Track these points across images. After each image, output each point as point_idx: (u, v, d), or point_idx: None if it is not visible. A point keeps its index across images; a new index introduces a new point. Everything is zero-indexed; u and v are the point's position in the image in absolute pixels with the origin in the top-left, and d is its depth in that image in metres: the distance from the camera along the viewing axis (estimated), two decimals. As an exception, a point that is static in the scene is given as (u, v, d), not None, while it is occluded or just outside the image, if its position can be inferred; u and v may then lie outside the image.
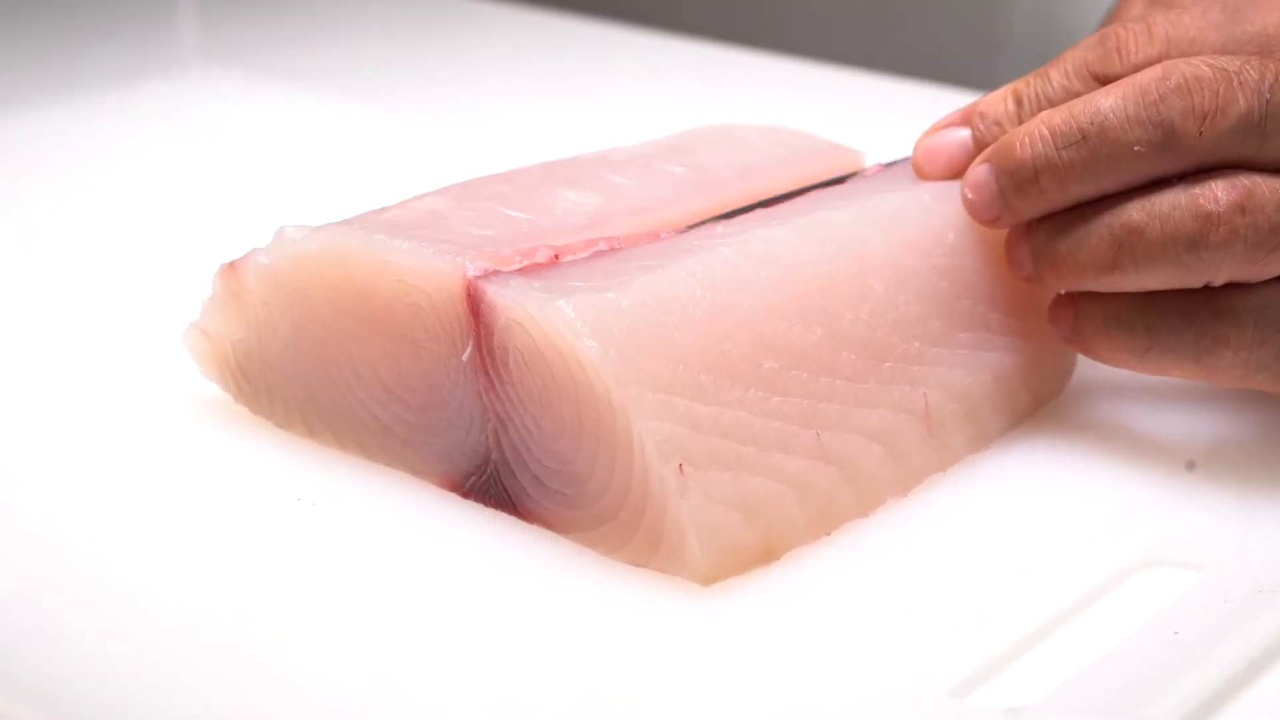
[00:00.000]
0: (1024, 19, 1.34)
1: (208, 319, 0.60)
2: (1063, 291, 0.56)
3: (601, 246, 0.56)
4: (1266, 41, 0.57)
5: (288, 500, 0.56)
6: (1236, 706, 0.46)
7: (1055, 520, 0.54)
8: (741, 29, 1.45)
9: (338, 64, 1.14)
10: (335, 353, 0.57)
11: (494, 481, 0.55)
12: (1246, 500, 0.54)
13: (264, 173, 0.89)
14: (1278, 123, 0.53)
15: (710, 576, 0.50)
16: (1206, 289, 0.54)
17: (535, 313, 0.51)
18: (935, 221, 0.57)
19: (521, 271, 0.53)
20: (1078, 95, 0.56)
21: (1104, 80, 0.56)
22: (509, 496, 0.54)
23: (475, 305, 0.53)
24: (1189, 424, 0.59)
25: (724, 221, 0.57)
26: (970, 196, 0.56)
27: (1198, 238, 0.53)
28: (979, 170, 0.56)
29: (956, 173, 0.58)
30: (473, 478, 0.55)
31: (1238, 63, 0.53)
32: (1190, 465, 0.55)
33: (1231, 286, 0.54)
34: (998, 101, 0.58)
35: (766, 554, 0.51)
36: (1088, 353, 0.56)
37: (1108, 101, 0.54)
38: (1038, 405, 0.60)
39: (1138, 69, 0.56)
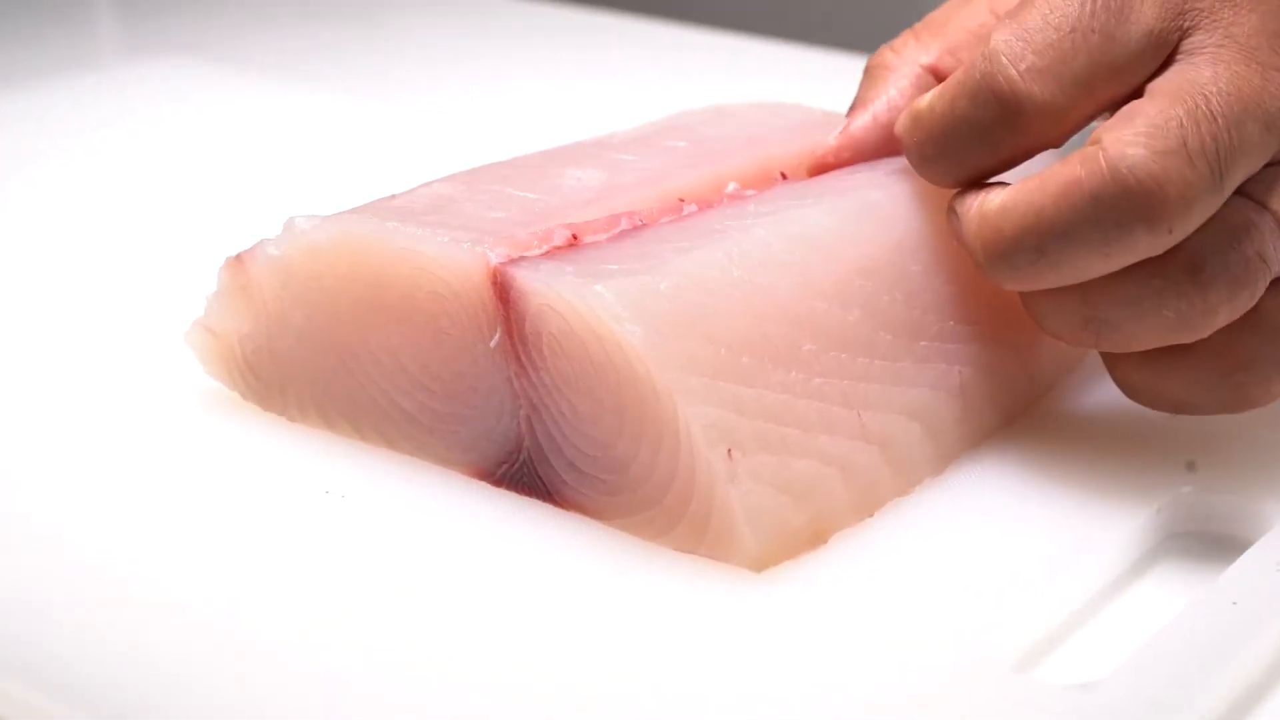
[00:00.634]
0: None
1: (213, 315, 0.59)
2: None
3: (624, 225, 0.55)
4: None
5: (316, 493, 0.54)
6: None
7: (1095, 493, 0.53)
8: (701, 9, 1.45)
9: (304, 52, 1.12)
10: (353, 343, 0.56)
11: (527, 469, 0.54)
12: None
13: (236, 164, 0.87)
14: (1233, 162, 0.50)
15: (761, 562, 0.50)
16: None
17: (571, 297, 0.50)
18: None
19: (547, 255, 0.52)
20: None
21: None
22: (543, 484, 0.53)
23: (503, 291, 0.52)
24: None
25: (755, 200, 0.56)
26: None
27: (1177, 325, 0.51)
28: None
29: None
30: (504, 466, 0.54)
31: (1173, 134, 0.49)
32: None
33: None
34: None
35: (815, 537, 0.51)
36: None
37: (1057, 217, 0.50)
38: (1059, 377, 0.59)
39: None
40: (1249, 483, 0.53)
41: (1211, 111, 0.49)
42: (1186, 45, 0.51)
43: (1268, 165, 0.51)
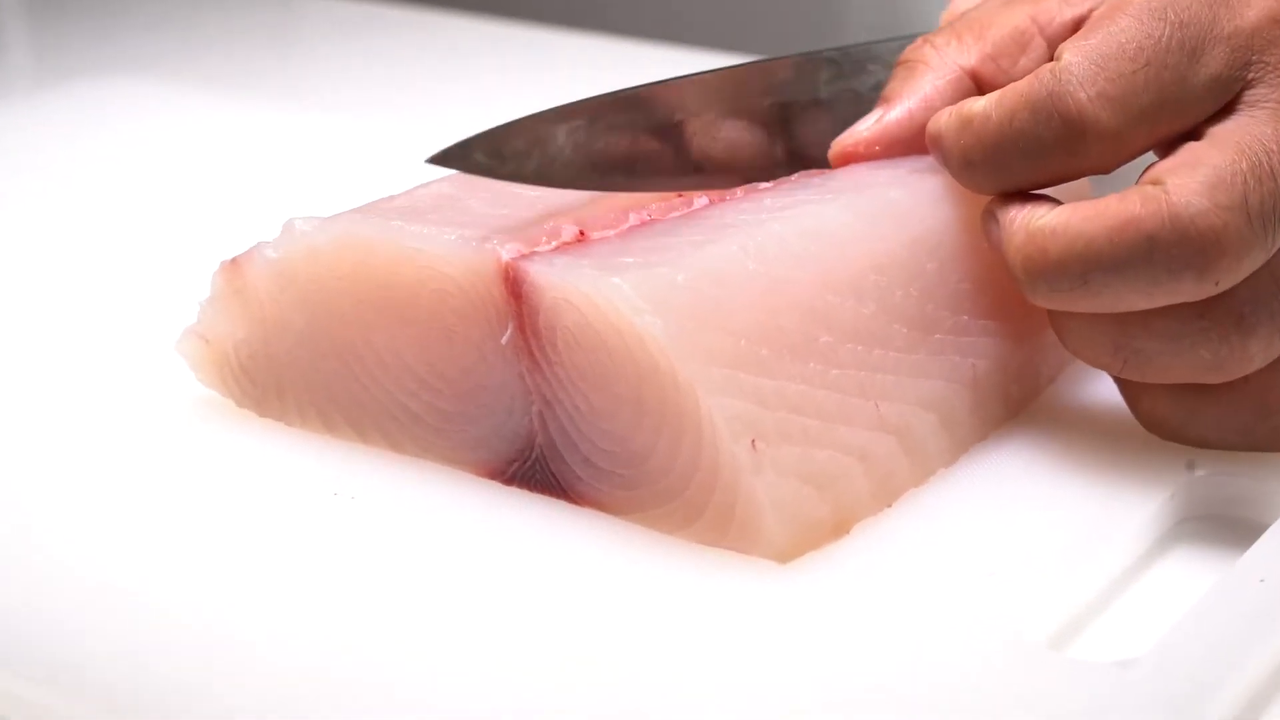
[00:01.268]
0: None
1: (206, 322, 0.58)
2: None
3: (632, 220, 0.54)
4: None
5: (324, 496, 0.54)
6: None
7: (1106, 480, 0.53)
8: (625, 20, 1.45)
9: (254, 70, 1.11)
10: (356, 344, 0.55)
11: (539, 466, 0.53)
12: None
13: (203, 179, 0.86)
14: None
15: (787, 553, 0.49)
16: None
17: (589, 290, 0.49)
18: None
19: (558, 250, 0.52)
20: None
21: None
22: (557, 480, 0.53)
23: (515, 287, 0.51)
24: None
25: (770, 195, 0.56)
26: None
27: (1211, 366, 0.51)
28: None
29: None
30: (515, 463, 0.54)
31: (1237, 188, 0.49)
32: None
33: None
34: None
35: (837, 528, 0.51)
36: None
37: (1108, 250, 0.50)
38: (1061, 369, 0.60)
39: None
40: (1260, 466, 0.54)
41: (1272, 169, 0.50)
42: (1249, 96, 0.51)
43: None
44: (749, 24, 1.56)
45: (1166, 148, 0.52)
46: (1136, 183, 0.52)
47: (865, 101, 0.61)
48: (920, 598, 0.48)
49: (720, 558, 0.50)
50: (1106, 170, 0.53)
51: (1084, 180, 0.57)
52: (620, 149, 0.57)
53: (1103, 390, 0.57)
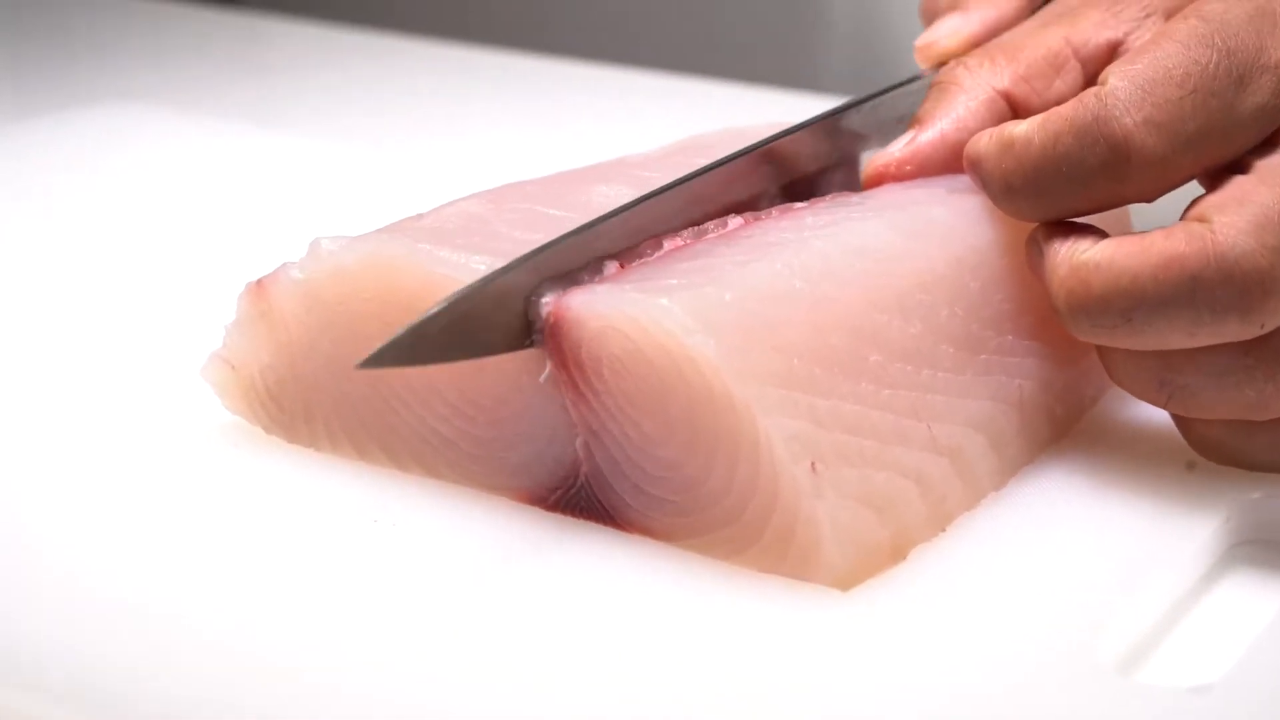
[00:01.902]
0: (844, 20, 1.36)
1: (231, 346, 0.56)
2: None
3: (667, 246, 0.53)
4: None
5: (363, 523, 0.52)
6: None
7: (1158, 502, 0.53)
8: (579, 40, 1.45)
9: (246, 97, 1.10)
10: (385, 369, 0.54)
11: (585, 494, 0.52)
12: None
13: (207, 206, 0.84)
14: None
15: (847, 580, 0.48)
16: None
17: (637, 315, 0.48)
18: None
19: (599, 283, 0.51)
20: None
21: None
22: (604, 508, 0.51)
23: (555, 329, 0.50)
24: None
25: (810, 213, 0.55)
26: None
27: (1255, 405, 0.51)
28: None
29: None
30: (558, 491, 0.52)
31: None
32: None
33: None
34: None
35: (895, 553, 0.50)
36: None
37: (1151, 289, 0.49)
38: (1104, 391, 0.59)
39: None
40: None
41: None
42: None
43: None
44: (727, 46, 1.56)
45: (1211, 178, 0.52)
46: (1182, 218, 0.51)
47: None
48: (985, 623, 0.47)
49: (778, 585, 0.48)
50: (1149, 198, 0.52)
51: (1125, 209, 0.56)
52: None
53: (1148, 411, 0.56)
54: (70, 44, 1.25)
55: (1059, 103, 0.55)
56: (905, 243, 0.53)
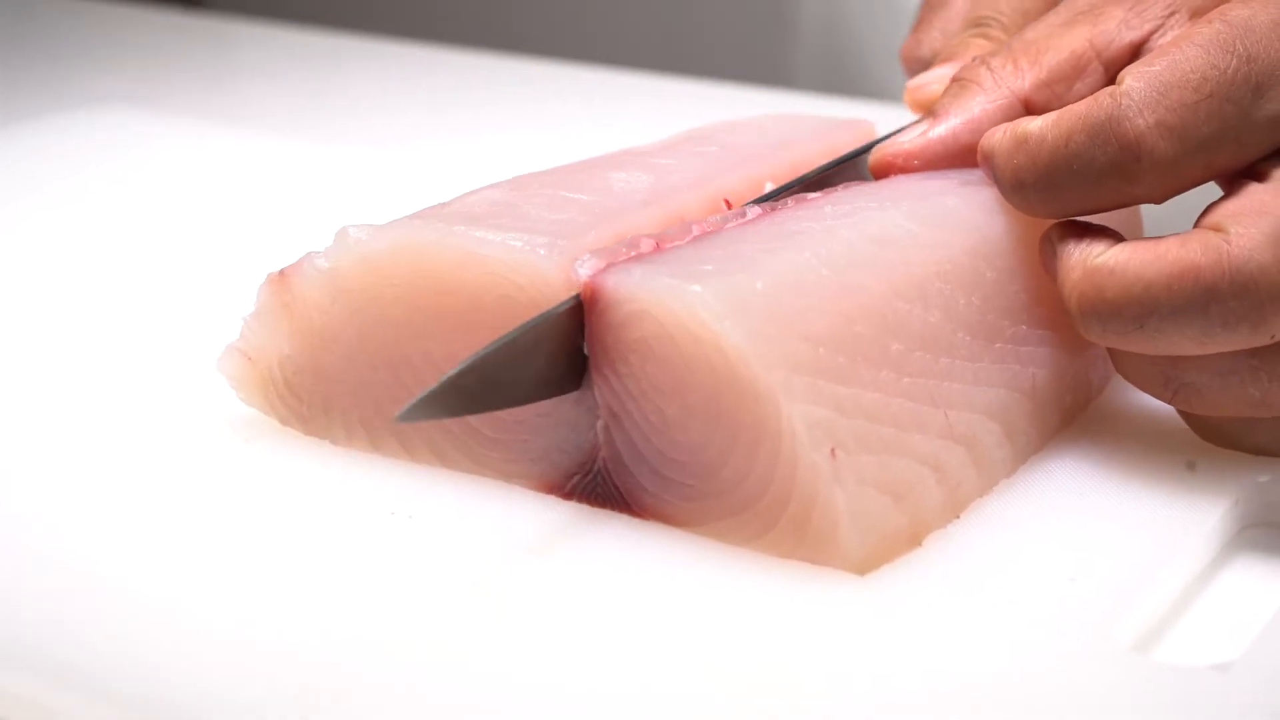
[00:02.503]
0: (812, 18, 1.37)
1: (250, 338, 0.57)
2: None
3: (695, 231, 0.54)
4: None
5: (380, 515, 0.53)
6: None
7: (1167, 487, 0.54)
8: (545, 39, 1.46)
9: (238, 99, 1.11)
10: (411, 355, 0.54)
11: (602, 479, 0.52)
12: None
13: (209, 207, 0.85)
14: None
15: (865, 565, 0.49)
16: None
17: (668, 299, 0.49)
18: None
19: (634, 260, 0.51)
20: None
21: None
22: (620, 493, 0.52)
23: (593, 303, 0.50)
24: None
25: (830, 202, 0.56)
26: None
27: (1259, 404, 0.52)
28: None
29: None
30: (576, 476, 0.53)
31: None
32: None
33: None
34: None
35: (912, 538, 0.50)
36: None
37: (1165, 297, 0.50)
38: (1109, 380, 0.60)
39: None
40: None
41: None
42: None
43: None
44: (700, 46, 1.57)
45: (1227, 182, 0.52)
46: (1197, 224, 0.52)
47: None
48: (1003, 605, 0.48)
49: (795, 570, 0.49)
50: (1159, 200, 0.53)
51: (1136, 208, 0.56)
52: None
53: (1151, 399, 0.58)
54: (48, 49, 1.26)
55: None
56: (925, 232, 0.54)
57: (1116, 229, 0.54)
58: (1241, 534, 0.53)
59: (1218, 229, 0.50)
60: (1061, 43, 0.58)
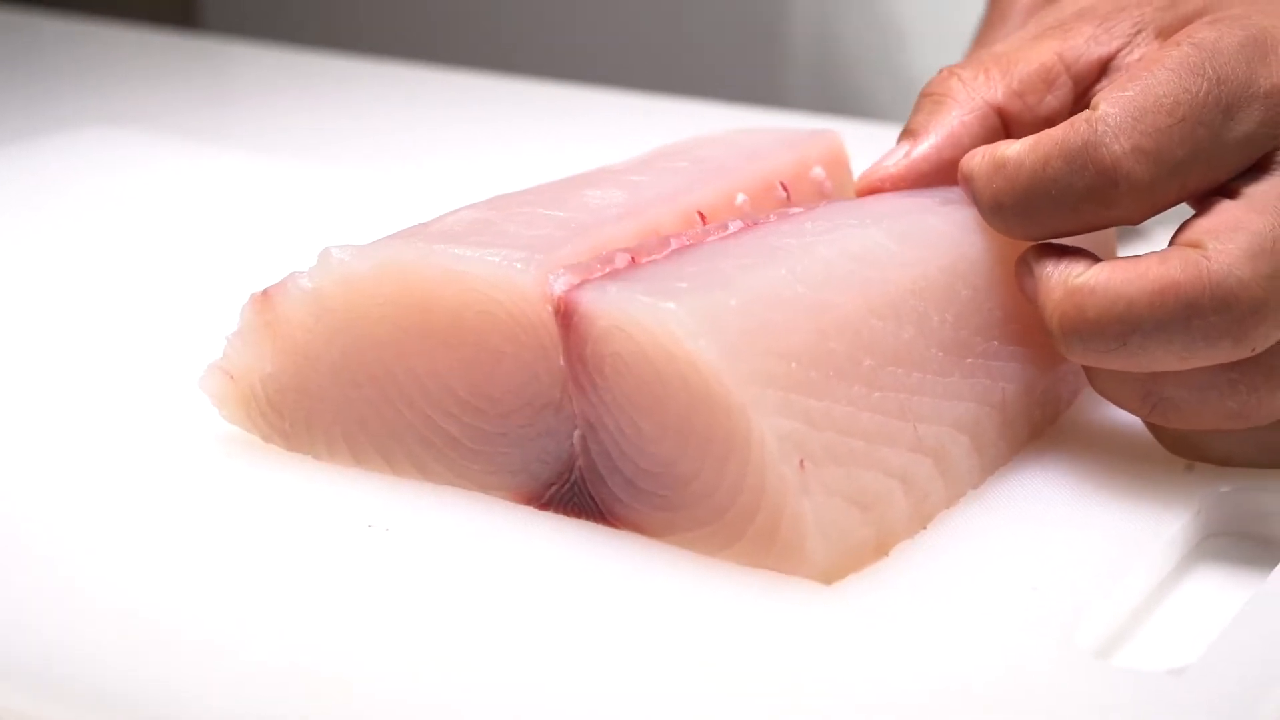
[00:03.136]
0: (803, 37, 1.39)
1: (233, 357, 0.58)
2: None
3: (674, 245, 0.55)
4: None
5: (358, 528, 0.54)
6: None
7: (1130, 498, 0.55)
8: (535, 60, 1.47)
9: (236, 121, 1.12)
10: (395, 371, 0.56)
11: (578, 490, 0.54)
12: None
13: (199, 227, 0.86)
14: None
15: (830, 575, 0.50)
16: None
17: (642, 317, 0.50)
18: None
19: (609, 276, 0.53)
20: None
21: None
22: (595, 504, 0.53)
23: (567, 318, 0.52)
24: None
25: (810, 219, 0.57)
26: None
27: (1236, 416, 0.52)
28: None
29: None
30: (553, 487, 0.54)
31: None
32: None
33: None
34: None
35: (878, 549, 0.52)
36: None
37: (1147, 314, 0.51)
38: (1078, 393, 0.61)
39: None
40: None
41: None
42: None
43: None
44: (693, 65, 1.58)
45: (1197, 201, 0.53)
46: (1173, 241, 0.53)
47: None
48: (966, 614, 0.49)
49: (763, 579, 0.50)
50: (1135, 222, 0.54)
51: (1110, 230, 0.57)
52: None
53: (1119, 412, 0.59)
54: (36, 69, 1.27)
55: (1050, 119, 0.57)
56: (902, 249, 0.55)
57: (1092, 248, 0.55)
58: (1203, 543, 0.54)
59: (1196, 245, 0.51)
60: (1031, 54, 0.59)
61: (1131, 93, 0.52)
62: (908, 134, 0.60)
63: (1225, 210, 0.52)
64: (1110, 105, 0.52)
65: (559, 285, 0.52)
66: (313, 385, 0.57)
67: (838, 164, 0.67)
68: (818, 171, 0.65)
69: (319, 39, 1.47)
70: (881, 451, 0.52)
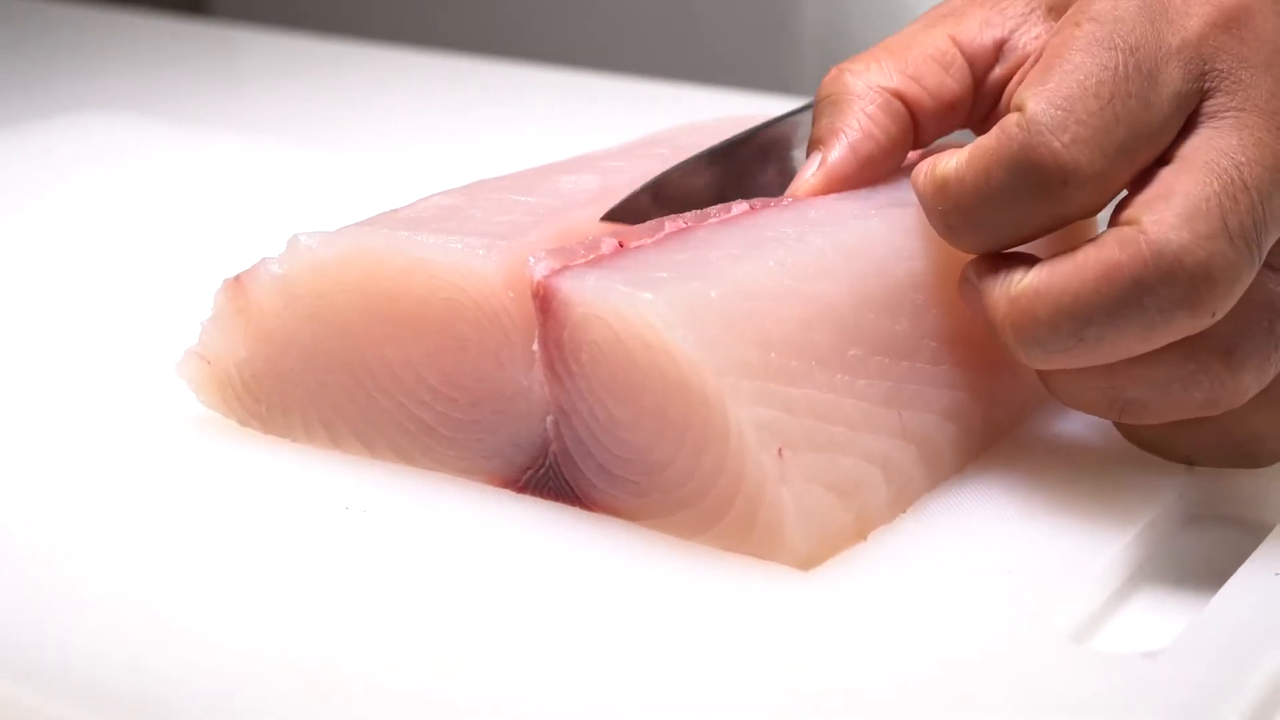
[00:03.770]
0: (814, 24, 1.38)
1: (207, 342, 0.58)
2: None
3: (668, 229, 0.55)
4: None
5: (335, 510, 0.54)
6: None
7: (1107, 485, 0.54)
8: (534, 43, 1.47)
9: (236, 108, 1.12)
10: (366, 358, 0.55)
11: (553, 474, 0.53)
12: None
13: (186, 212, 0.86)
14: (1267, 235, 0.49)
15: (809, 560, 0.50)
16: None
17: (620, 306, 0.50)
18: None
19: (592, 264, 0.52)
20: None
21: None
22: (571, 488, 0.53)
23: (545, 303, 0.51)
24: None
25: (813, 207, 0.56)
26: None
27: (1206, 404, 0.51)
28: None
29: None
30: (529, 471, 0.54)
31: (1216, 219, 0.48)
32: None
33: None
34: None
35: (858, 534, 0.51)
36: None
37: (1097, 303, 0.49)
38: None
39: None
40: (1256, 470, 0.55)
41: (1245, 183, 0.48)
42: (1208, 107, 0.50)
43: None
44: (700, 52, 1.58)
45: (1140, 176, 0.51)
46: (1110, 223, 0.51)
47: None
48: (945, 598, 0.49)
49: (741, 563, 0.50)
50: (1094, 213, 0.52)
51: (1090, 221, 0.56)
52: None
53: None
54: (43, 54, 1.27)
55: (952, 103, 0.56)
56: (902, 240, 0.55)
57: (1066, 236, 0.53)
58: (1180, 528, 0.54)
59: (1132, 222, 0.49)
60: (924, 40, 0.57)
61: (1053, 84, 0.50)
62: (815, 143, 0.58)
63: (1158, 179, 0.50)
64: (1036, 102, 0.50)
65: (539, 270, 0.52)
66: (286, 371, 0.57)
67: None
68: (799, 157, 0.64)
69: (325, 24, 1.47)
70: (863, 438, 0.51)
